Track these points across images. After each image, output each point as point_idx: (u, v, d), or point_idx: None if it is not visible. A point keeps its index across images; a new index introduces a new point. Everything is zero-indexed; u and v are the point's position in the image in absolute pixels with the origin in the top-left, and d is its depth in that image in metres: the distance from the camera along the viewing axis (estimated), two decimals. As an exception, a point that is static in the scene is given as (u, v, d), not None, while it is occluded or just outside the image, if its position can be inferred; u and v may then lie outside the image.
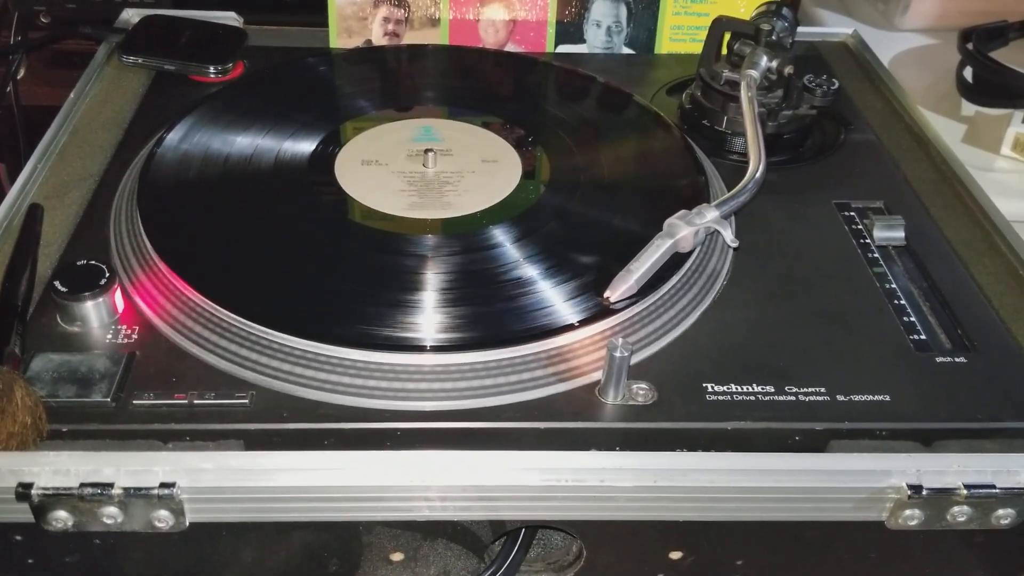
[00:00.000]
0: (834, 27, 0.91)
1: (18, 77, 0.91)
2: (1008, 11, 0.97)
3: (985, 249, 0.61)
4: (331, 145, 0.66)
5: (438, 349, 0.50)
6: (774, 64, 0.67)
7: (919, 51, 1.01)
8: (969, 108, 0.91)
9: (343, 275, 0.55)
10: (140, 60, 0.76)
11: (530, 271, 0.55)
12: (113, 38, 0.79)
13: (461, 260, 0.56)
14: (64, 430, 0.46)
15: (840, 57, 0.84)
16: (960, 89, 0.92)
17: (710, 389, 0.50)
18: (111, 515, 0.44)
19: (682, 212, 0.56)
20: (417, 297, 0.53)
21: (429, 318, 0.52)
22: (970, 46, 0.91)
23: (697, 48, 0.75)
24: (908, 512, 0.46)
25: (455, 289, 0.54)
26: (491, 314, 0.52)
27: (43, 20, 0.93)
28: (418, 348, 0.50)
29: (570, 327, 0.51)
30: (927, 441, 0.49)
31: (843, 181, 0.67)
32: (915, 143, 0.72)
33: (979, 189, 0.66)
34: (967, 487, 0.45)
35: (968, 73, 0.92)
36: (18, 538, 0.46)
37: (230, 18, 0.83)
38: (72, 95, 0.72)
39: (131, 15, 0.82)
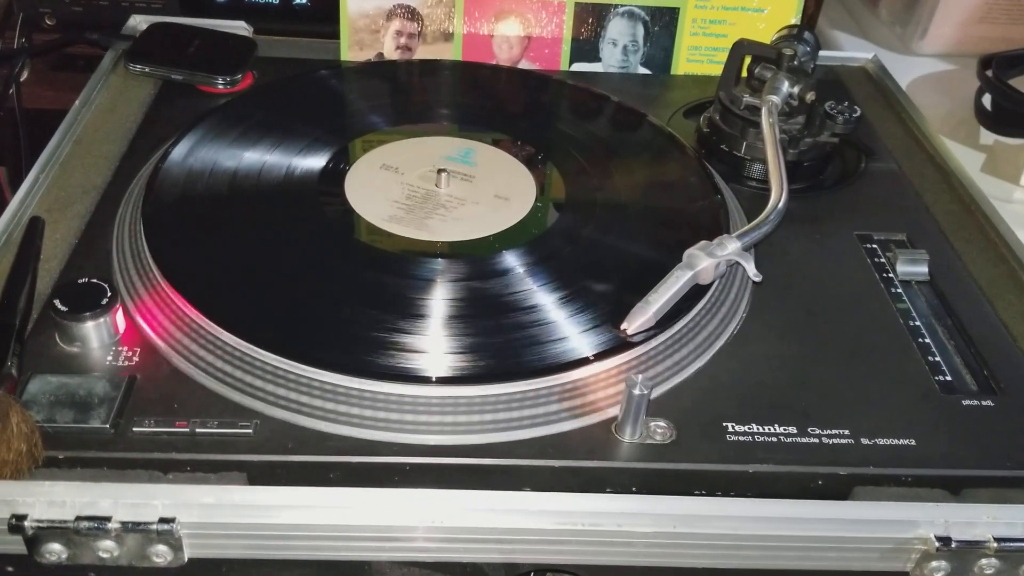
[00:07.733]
0: (852, 51, 0.90)
1: (21, 80, 0.89)
2: (1029, 39, 0.96)
3: (1010, 286, 0.60)
4: (341, 162, 0.64)
5: (445, 381, 0.48)
6: (796, 90, 0.65)
7: (937, 76, 1.00)
8: (988, 136, 0.89)
9: (353, 300, 0.53)
10: (147, 68, 0.74)
11: (544, 300, 0.53)
12: (120, 45, 0.78)
13: (473, 286, 0.54)
14: (61, 456, 0.44)
15: (859, 82, 0.83)
16: (978, 117, 0.91)
17: (731, 429, 0.48)
18: (107, 549, 0.42)
19: (703, 243, 0.54)
20: (427, 325, 0.51)
21: (438, 347, 0.50)
22: (989, 73, 0.89)
23: (714, 69, 0.74)
24: (935, 564, 0.44)
25: (466, 317, 0.52)
26: (503, 345, 0.50)
27: (48, 23, 0.91)
28: (425, 379, 0.48)
29: (585, 360, 0.49)
30: (954, 488, 0.47)
31: (865, 211, 0.65)
32: (937, 173, 0.71)
33: (1003, 223, 0.64)
34: (997, 540, 0.43)
35: (987, 100, 0.90)
36: (9, 569, 0.44)
37: (240, 27, 0.81)
38: (77, 103, 0.70)
39: (139, 21, 0.80)
